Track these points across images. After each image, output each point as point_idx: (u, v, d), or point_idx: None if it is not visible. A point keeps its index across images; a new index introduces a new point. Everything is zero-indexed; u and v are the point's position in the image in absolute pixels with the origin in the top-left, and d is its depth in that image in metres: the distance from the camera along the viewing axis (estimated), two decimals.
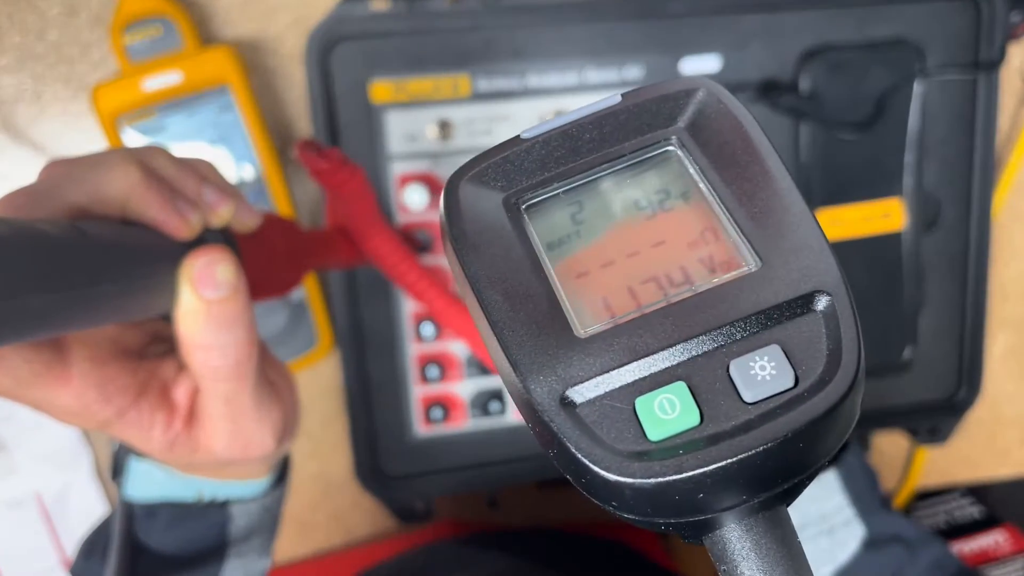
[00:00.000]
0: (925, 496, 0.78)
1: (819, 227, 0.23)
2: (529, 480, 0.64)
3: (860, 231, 0.62)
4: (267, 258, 0.40)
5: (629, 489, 0.20)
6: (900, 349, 0.65)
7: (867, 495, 0.58)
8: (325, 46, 0.55)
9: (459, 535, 0.70)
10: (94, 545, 0.42)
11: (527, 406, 0.22)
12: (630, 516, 0.21)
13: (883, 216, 0.62)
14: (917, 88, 0.60)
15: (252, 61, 0.59)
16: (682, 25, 0.58)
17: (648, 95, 0.26)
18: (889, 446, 0.76)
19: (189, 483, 0.39)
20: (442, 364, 0.60)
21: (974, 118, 0.62)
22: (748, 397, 0.20)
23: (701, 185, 0.24)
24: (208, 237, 0.35)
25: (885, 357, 0.65)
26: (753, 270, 0.22)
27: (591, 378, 0.21)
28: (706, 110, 0.25)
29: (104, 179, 0.32)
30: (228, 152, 0.57)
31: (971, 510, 0.77)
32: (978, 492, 0.78)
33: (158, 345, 0.37)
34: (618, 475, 0.20)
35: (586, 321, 0.22)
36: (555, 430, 0.21)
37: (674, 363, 0.21)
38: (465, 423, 0.61)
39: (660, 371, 0.21)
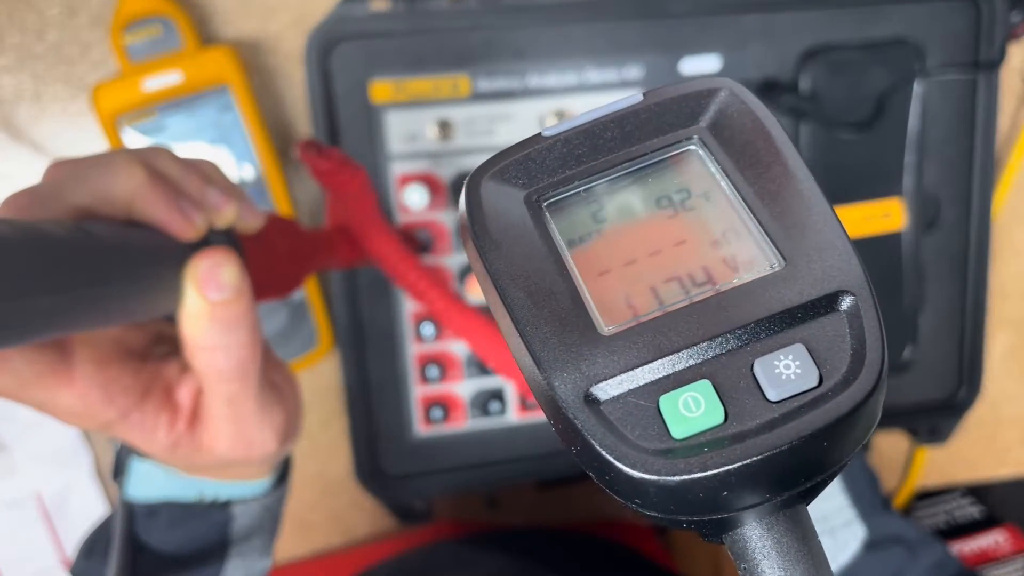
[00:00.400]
0: (925, 496, 0.78)
1: (842, 227, 0.23)
2: (529, 480, 0.64)
3: (860, 231, 0.62)
4: (270, 259, 0.40)
5: (653, 486, 0.20)
6: (900, 349, 0.65)
7: (868, 496, 0.58)
8: (325, 46, 0.55)
9: (459, 535, 0.70)
10: (94, 545, 0.42)
11: (550, 403, 0.21)
12: (652, 514, 0.21)
13: (883, 216, 0.62)
14: (917, 88, 0.61)
15: (252, 61, 0.59)
16: (682, 25, 0.58)
17: (670, 94, 0.26)
18: (889, 446, 0.76)
19: (190, 483, 0.39)
20: (442, 364, 0.60)
21: (974, 118, 0.62)
22: (772, 396, 0.20)
23: (723, 184, 0.24)
24: (212, 238, 0.35)
25: None
26: (776, 270, 0.22)
27: (615, 375, 0.21)
28: (728, 110, 0.25)
29: (109, 180, 0.32)
30: (228, 152, 0.57)
31: (971, 510, 0.77)
32: (978, 492, 0.78)
33: (161, 346, 0.37)
34: (643, 472, 0.20)
35: (609, 319, 0.22)
36: (579, 427, 0.21)
37: (698, 361, 0.21)
38: (465, 423, 0.61)
39: (684, 369, 0.21)
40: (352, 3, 0.55)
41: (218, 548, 0.41)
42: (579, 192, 0.25)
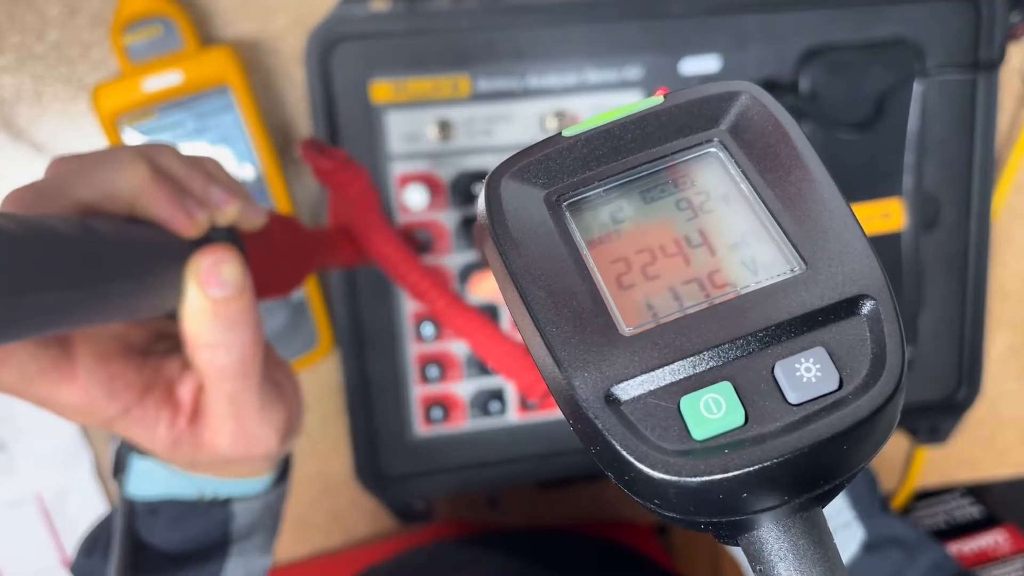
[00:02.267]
0: (924, 496, 0.78)
1: (862, 230, 0.23)
2: (529, 480, 0.64)
3: None
4: (272, 257, 0.40)
5: (674, 487, 0.20)
6: None
7: (867, 497, 0.58)
8: (325, 46, 0.55)
9: (459, 535, 0.70)
10: (95, 543, 0.42)
11: (570, 403, 0.21)
12: (671, 515, 0.21)
13: (883, 216, 0.62)
14: (917, 88, 0.61)
15: (252, 61, 0.59)
16: (682, 25, 0.58)
17: (690, 97, 0.26)
18: (889, 446, 0.76)
19: (191, 481, 0.39)
20: (442, 364, 0.60)
21: (974, 118, 0.62)
22: (793, 398, 0.20)
23: (743, 187, 0.24)
24: (214, 235, 0.35)
25: None
26: (797, 273, 0.22)
27: (636, 376, 0.21)
28: (748, 113, 0.25)
29: (113, 176, 0.32)
30: (228, 152, 0.57)
31: (971, 510, 0.77)
32: (978, 492, 0.78)
33: (162, 342, 0.37)
34: (663, 473, 0.20)
35: (629, 319, 0.22)
36: (600, 427, 0.21)
37: (719, 363, 0.21)
38: (465, 423, 0.61)
39: (705, 371, 0.21)
40: (352, 3, 0.55)
41: (219, 546, 0.41)
42: (599, 192, 0.25)
